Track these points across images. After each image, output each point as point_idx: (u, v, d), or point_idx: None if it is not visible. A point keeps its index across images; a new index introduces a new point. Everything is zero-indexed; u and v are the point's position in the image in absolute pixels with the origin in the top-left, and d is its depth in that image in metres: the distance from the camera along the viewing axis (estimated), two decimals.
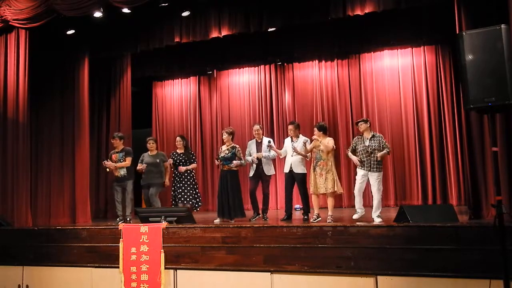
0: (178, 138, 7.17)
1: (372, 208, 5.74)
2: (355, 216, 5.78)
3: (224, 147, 6.60)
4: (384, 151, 5.73)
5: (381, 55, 9.25)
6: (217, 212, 6.50)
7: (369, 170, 5.76)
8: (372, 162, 5.75)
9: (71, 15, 6.95)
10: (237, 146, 6.63)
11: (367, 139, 5.83)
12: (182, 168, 6.83)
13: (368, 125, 5.93)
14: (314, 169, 5.93)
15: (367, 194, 6.60)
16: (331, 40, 8.98)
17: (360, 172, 5.85)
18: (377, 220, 5.43)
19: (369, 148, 5.75)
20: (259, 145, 6.68)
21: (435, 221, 4.72)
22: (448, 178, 8.48)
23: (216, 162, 6.62)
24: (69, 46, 7.98)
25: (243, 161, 6.57)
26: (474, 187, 5.37)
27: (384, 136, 8.96)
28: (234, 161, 6.38)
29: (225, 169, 6.46)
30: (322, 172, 5.83)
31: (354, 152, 5.96)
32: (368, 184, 5.89)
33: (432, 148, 8.67)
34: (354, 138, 6.11)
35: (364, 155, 5.81)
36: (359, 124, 5.97)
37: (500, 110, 3.87)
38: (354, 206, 6.14)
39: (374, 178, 5.74)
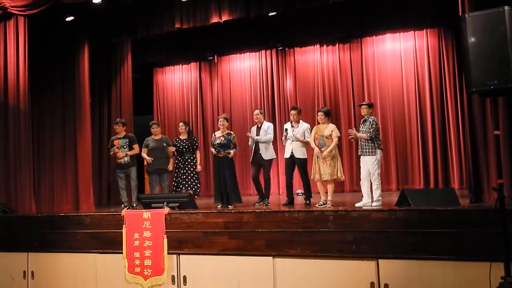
0: (181, 124, 7.05)
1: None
2: (357, 204, 5.58)
3: (218, 134, 6.52)
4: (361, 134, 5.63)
5: (383, 38, 9.15)
6: (215, 197, 6.52)
7: (361, 154, 5.73)
8: (362, 146, 5.69)
9: (70, 1, 6.91)
10: (232, 132, 6.60)
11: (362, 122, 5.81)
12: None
13: (371, 110, 5.83)
14: (318, 156, 5.88)
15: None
16: (332, 24, 8.90)
17: (361, 158, 5.81)
18: (374, 204, 5.44)
19: (360, 132, 5.71)
20: (259, 130, 6.65)
21: (437, 204, 4.72)
22: (450, 162, 8.46)
23: (212, 150, 6.46)
24: (68, 33, 7.91)
25: (237, 148, 6.56)
26: (476, 171, 5.35)
27: (386, 120, 9.00)
28: (231, 151, 6.35)
29: (221, 155, 6.38)
30: (326, 158, 5.79)
31: None
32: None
33: (434, 132, 8.64)
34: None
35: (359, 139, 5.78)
36: (363, 107, 5.84)
37: (503, 93, 3.85)
38: (356, 191, 6.09)
39: (370, 163, 5.60)
